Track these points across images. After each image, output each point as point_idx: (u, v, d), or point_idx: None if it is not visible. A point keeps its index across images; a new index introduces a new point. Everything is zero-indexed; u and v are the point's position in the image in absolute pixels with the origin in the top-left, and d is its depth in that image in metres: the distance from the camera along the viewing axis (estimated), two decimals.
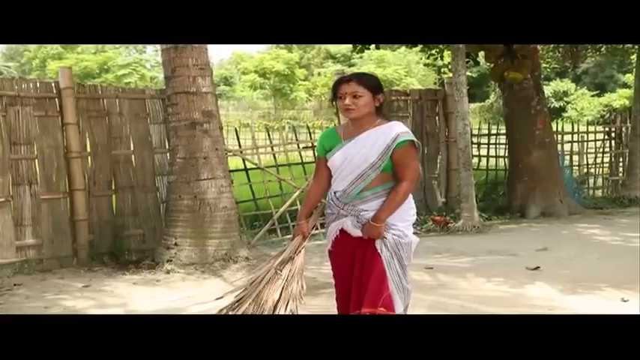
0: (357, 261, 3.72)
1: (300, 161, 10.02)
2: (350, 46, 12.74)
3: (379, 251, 3.66)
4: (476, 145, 12.22)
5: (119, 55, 48.03)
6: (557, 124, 14.23)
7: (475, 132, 12.52)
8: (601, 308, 5.43)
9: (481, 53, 12.17)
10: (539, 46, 12.75)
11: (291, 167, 9.77)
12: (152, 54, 51.01)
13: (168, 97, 7.39)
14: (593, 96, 38.74)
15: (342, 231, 3.76)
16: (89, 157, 7.81)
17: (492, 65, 11.42)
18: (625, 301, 5.74)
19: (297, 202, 9.32)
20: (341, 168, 3.72)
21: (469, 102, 12.81)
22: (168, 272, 6.88)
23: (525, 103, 11.12)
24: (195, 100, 7.25)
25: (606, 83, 41.23)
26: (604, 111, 31.70)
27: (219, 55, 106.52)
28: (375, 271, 3.64)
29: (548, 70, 21.72)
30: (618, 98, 35.87)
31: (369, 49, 12.99)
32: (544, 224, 10.31)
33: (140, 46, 50.89)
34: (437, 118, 10.98)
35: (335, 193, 3.77)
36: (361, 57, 37.90)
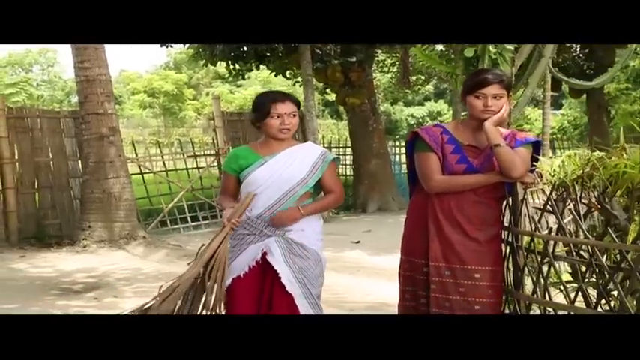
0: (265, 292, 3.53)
1: (184, 167, 12.65)
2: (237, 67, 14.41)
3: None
4: None
5: (5, 74, 48.04)
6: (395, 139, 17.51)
7: (327, 145, 15.58)
8: (389, 262, 8.05)
9: None
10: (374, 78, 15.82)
11: (178, 172, 12.35)
12: (38, 73, 51.54)
13: (82, 117, 9.71)
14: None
15: (258, 262, 3.51)
16: (17, 163, 10.05)
17: (337, 92, 14.40)
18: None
19: (183, 200, 11.83)
20: (266, 184, 3.53)
21: (339, 120, 15.06)
22: (84, 246, 9.17)
23: (364, 122, 14.12)
24: (103, 119, 9.58)
25: None
26: None
27: None
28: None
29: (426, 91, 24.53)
30: None
31: (251, 70, 15.07)
32: (377, 216, 13.26)
33: (27, 64, 51.24)
34: (296, 134, 13.70)
35: (253, 211, 3.56)
36: (248, 77, 40.18)
